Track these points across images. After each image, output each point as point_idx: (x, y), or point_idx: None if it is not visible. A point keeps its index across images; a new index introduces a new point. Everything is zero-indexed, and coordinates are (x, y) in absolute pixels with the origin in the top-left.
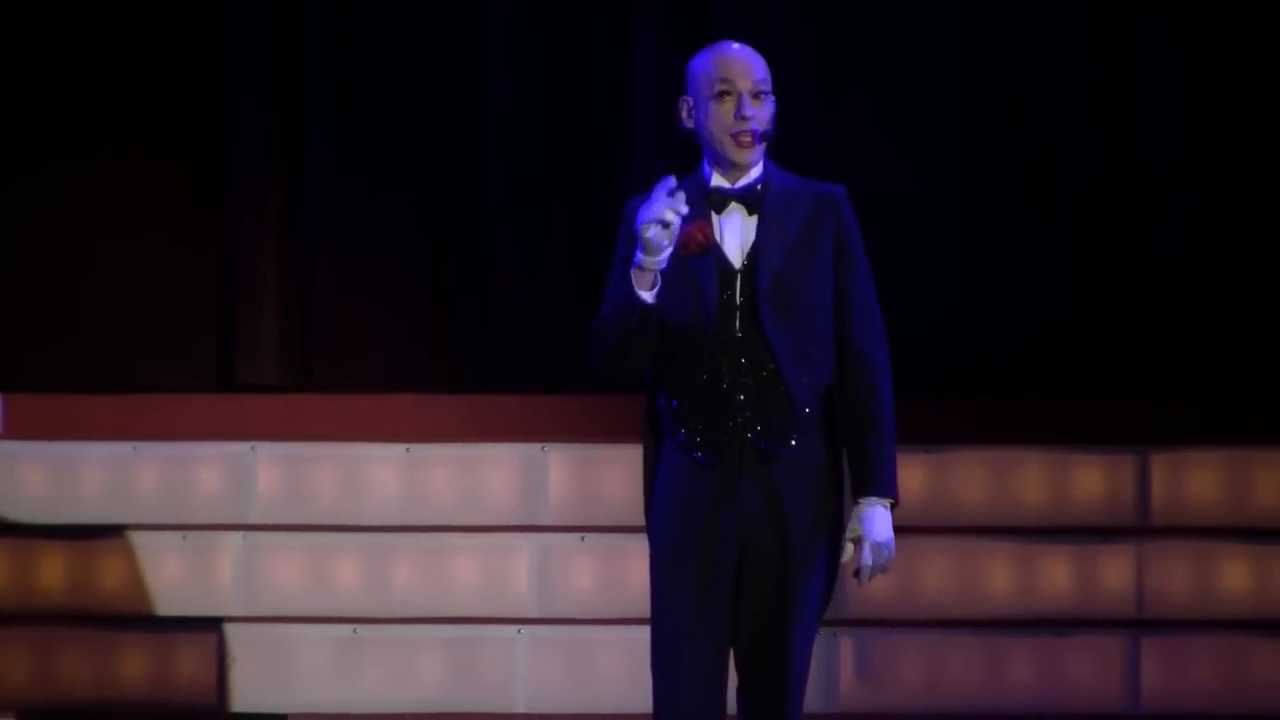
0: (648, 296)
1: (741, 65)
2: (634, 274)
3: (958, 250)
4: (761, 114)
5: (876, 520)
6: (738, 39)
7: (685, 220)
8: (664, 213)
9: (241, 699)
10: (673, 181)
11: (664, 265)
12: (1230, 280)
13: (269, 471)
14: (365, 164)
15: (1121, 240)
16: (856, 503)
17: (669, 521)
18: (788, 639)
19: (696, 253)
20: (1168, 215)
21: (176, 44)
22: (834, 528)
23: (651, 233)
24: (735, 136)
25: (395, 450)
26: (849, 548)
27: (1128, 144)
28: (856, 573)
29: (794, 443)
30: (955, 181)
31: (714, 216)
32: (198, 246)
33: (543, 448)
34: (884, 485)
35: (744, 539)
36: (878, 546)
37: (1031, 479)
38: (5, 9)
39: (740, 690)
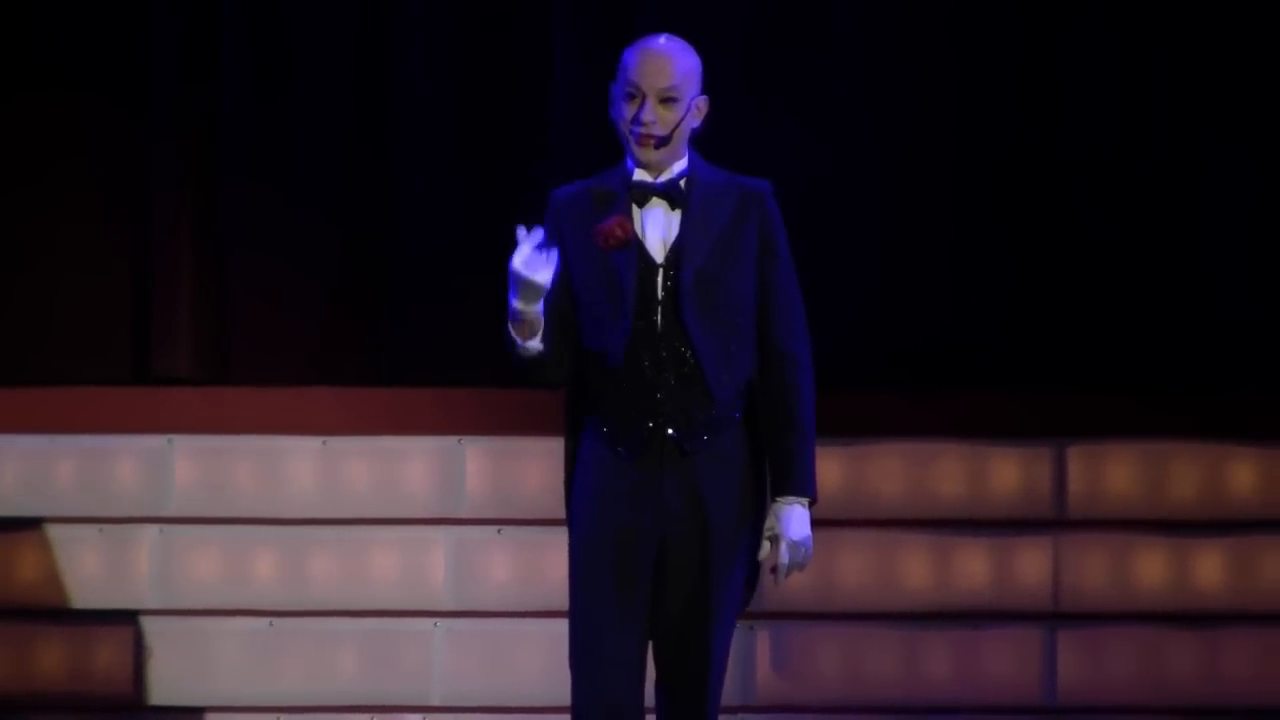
0: (535, 344)
1: (652, 68)
2: (513, 327)
3: (879, 245)
4: (668, 118)
5: (794, 519)
6: (663, 30)
7: (605, 214)
8: (536, 264)
9: (158, 692)
10: (540, 233)
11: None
12: (1146, 273)
13: (186, 465)
14: (280, 159)
15: (1038, 234)
16: (774, 501)
17: (590, 514)
18: (708, 633)
19: (617, 247)
20: (1085, 209)
21: (93, 50)
22: (755, 523)
23: (524, 280)
24: (633, 136)
25: (312, 443)
26: (766, 545)
27: (1051, 136)
28: (773, 570)
29: (715, 438)
30: (876, 175)
31: (636, 210)
32: (114, 240)
33: (459, 440)
34: (802, 484)
35: (665, 533)
36: (794, 545)
37: (948, 472)
38: None
39: (659, 683)
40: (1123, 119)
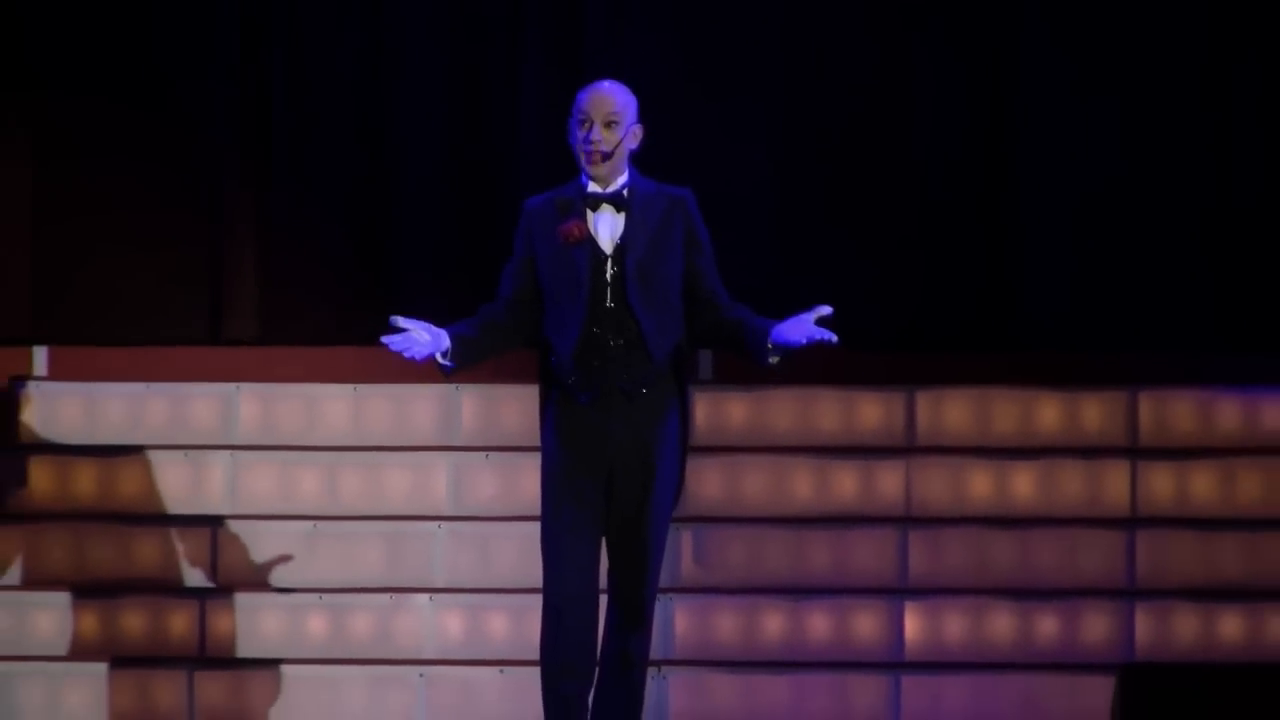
0: (448, 364)
1: (598, 100)
2: (438, 358)
3: (769, 235)
4: (610, 138)
5: (791, 330)
6: (609, 73)
7: (566, 218)
8: (405, 342)
9: (228, 578)
10: (403, 325)
11: (449, 365)
12: (979, 247)
13: (249, 405)
14: (311, 170)
15: (899, 211)
16: (769, 334)
17: (556, 446)
18: (648, 533)
19: (575, 244)
20: (939, 180)
21: (175, 75)
22: (681, 449)
23: (402, 352)
24: (585, 154)
25: (344, 389)
26: (811, 323)
27: (893, 130)
28: (822, 321)
29: (651, 388)
30: (769, 184)
31: (589, 214)
32: (193, 237)
33: (457, 388)
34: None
35: (613, 459)
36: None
37: (827, 411)
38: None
39: (610, 573)
40: (967, 136)
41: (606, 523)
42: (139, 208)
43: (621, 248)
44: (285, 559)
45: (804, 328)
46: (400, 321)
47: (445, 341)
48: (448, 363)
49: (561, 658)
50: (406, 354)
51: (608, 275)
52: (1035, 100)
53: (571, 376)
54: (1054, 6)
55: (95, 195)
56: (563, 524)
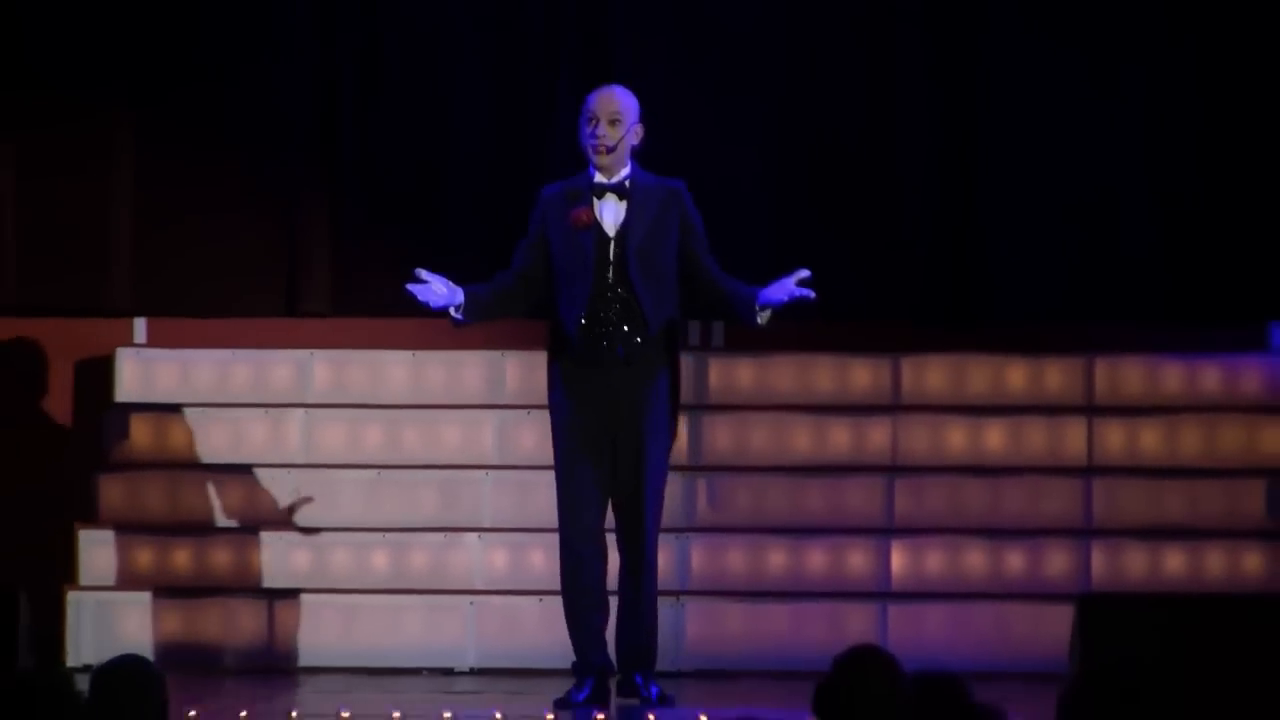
0: (459, 317)
1: (604, 100)
2: (451, 310)
3: (769, 225)
4: (614, 134)
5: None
6: (623, 79)
7: (576, 204)
8: (425, 293)
9: (303, 519)
10: (422, 276)
11: (459, 318)
12: (957, 235)
13: (322, 369)
14: (375, 168)
15: (885, 205)
16: (756, 298)
17: (565, 406)
18: (645, 479)
19: (583, 228)
20: (919, 184)
21: (259, 86)
22: (672, 405)
23: (423, 302)
24: (591, 148)
25: (404, 355)
26: (793, 286)
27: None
28: (802, 282)
29: (648, 355)
30: (761, 183)
31: (596, 201)
32: (272, 224)
33: (503, 354)
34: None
35: (615, 415)
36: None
37: (823, 374)
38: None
39: (615, 518)
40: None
41: (611, 472)
42: (225, 199)
43: (623, 232)
44: (352, 503)
45: (786, 288)
46: (423, 274)
47: (460, 297)
48: (459, 316)
49: (580, 591)
50: (424, 301)
51: (611, 256)
52: (1001, 110)
53: (577, 343)
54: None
55: (187, 188)
56: (572, 475)
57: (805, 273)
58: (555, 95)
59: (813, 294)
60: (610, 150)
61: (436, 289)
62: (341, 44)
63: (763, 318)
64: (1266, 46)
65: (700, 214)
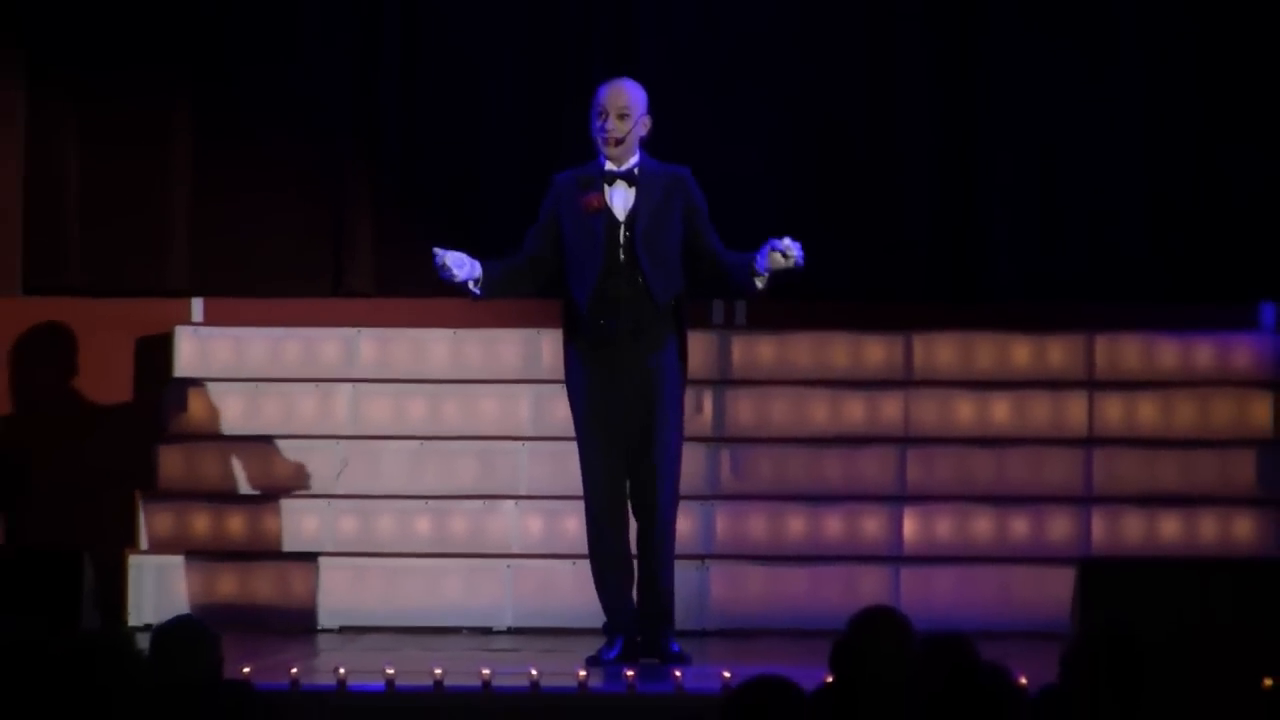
0: (476, 291)
1: (613, 93)
2: (470, 284)
3: (776, 210)
4: (623, 126)
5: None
6: (639, 75)
7: (587, 191)
8: (451, 272)
9: (348, 486)
10: (439, 258)
11: (477, 292)
12: (965, 219)
13: (368, 346)
14: (416, 157)
15: (889, 200)
16: (754, 265)
17: (581, 383)
18: (661, 450)
19: (594, 212)
20: (926, 168)
21: (309, 94)
22: (681, 383)
23: (446, 278)
24: (601, 139)
25: (445, 333)
26: (778, 257)
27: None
28: (784, 252)
29: (657, 332)
30: (768, 170)
31: (606, 187)
32: (321, 211)
33: (538, 331)
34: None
35: (628, 389)
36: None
37: (840, 350)
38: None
39: (631, 486)
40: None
41: (629, 444)
42: (277, 185)
43: (632, 216)
44: (396, 472)
45: (767, 251)
46: (439, 251)
47: (478, 271)
48: (477, 290)
49: (606, 558)
50: (445, 274)
51: (620, 238)
52: (1000, 96)
53: (590, 320)
54: None
55: (241, 175)
56: (592, 446)
57: (788, 240)
58: (588, 77)
59: (800, 258)
60: (619, 142)
61: (458, 263)
62: (387, 28)
63: (760, 282)
64: (1267, 46)
65: (705, 195)
